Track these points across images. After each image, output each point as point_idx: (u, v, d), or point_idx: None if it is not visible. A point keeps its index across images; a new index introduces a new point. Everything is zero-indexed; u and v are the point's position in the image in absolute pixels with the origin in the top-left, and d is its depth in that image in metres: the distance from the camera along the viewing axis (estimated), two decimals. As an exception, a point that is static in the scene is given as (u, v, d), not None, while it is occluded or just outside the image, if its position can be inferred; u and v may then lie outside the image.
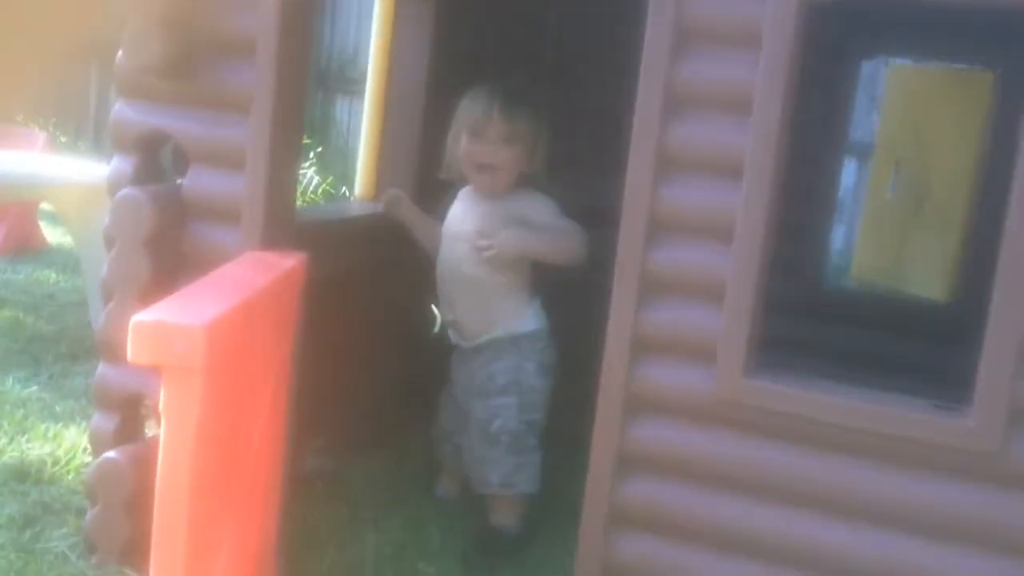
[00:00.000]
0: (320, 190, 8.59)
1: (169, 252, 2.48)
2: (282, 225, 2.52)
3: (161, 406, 1.71)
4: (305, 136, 8.68)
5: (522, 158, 2.83)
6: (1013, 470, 1.95)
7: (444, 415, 3.05)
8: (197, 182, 2.50)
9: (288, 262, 2.32)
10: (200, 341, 1.67)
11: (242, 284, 2.11)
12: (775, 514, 2.10)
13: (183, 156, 2.55)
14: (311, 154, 8.80)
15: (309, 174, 8.66)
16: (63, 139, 9.95)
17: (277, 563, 2.39)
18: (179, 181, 2.55)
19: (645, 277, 2.14)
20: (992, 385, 1.92)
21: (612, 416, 2.20)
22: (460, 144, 2.87)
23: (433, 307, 3.08)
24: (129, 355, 1.68)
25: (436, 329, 3.23)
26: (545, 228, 2.79)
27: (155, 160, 2.59)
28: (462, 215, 2.93)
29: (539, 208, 2.83)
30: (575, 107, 3.64)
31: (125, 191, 2.46)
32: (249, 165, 2.42)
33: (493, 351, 2.88)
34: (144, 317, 1.70)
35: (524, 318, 2.89)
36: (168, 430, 1.72)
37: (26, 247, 6.10)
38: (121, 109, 2.56)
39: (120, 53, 2.48)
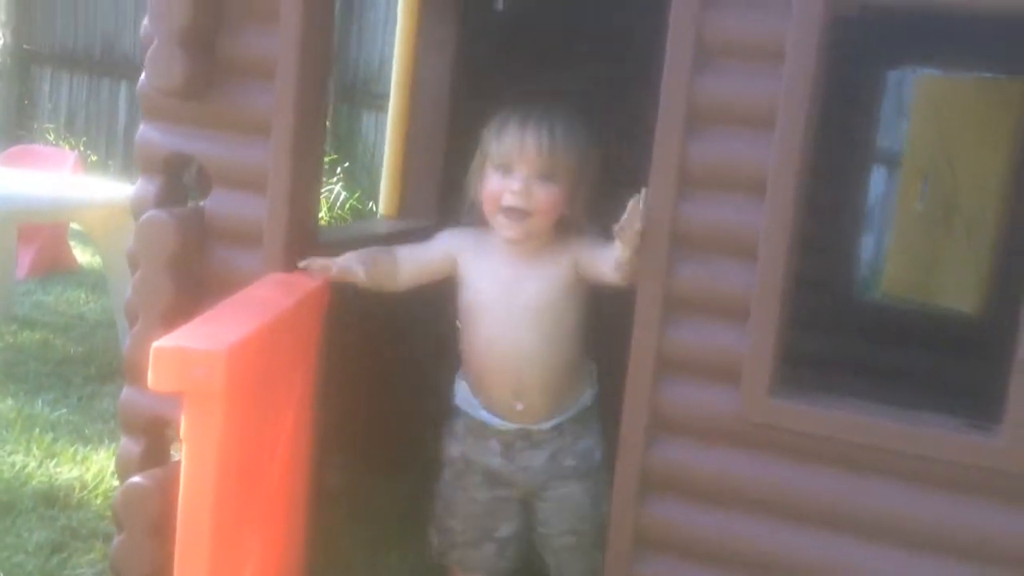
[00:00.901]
0: (347, 206, 8.61)
1: (193, 274, 2.48)
2: (305, 246, 2.51)
3: (182, 432, 1.71)
4: (331, 151, 8.81)
5: (561, 199, 2.29)
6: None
7: (479, 512, 2.48)
8: (219, 204, 2.50)
9: (311, 283, 2.32)
10: (220, 366, 1.67)
11: (264, 307, 2.11)
12: (802, 537, 2.07)
13: (206, 178, 2.55)
14: (338, 169, 8.84)
15: (336, 189, 8.69)
16: (93, 158, 10.05)
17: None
18: (202, 203, 2.56)
19: (669, 295, 2.12)
20: (1022, 403, 1.88)
21: (636, 437, 2.17)
22: (484, 180, 2.34)
23: (464, 387, 2.49)
24: (150, 381, 1.68)
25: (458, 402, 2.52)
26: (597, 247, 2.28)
27: (179, 182, 2.60)
28: (507, 280, 2.35)
29: (605, 250, 2.23)
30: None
31: (149, 213, 2.47)
32: (270, 187, 2.42)
33: (577, 427, 2.45)
34: (164, 342, 1.70)
35: (591, 386, 2.49)
36: (189, 455, 1.72)
37: (56, 267, 6.16)
38: (145, 131, 2.57)
39: (143, 75, 2.49)
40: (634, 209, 2.06)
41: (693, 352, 2.14)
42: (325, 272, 2.36)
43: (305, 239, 2.53)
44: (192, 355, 1.69)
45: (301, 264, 2.38)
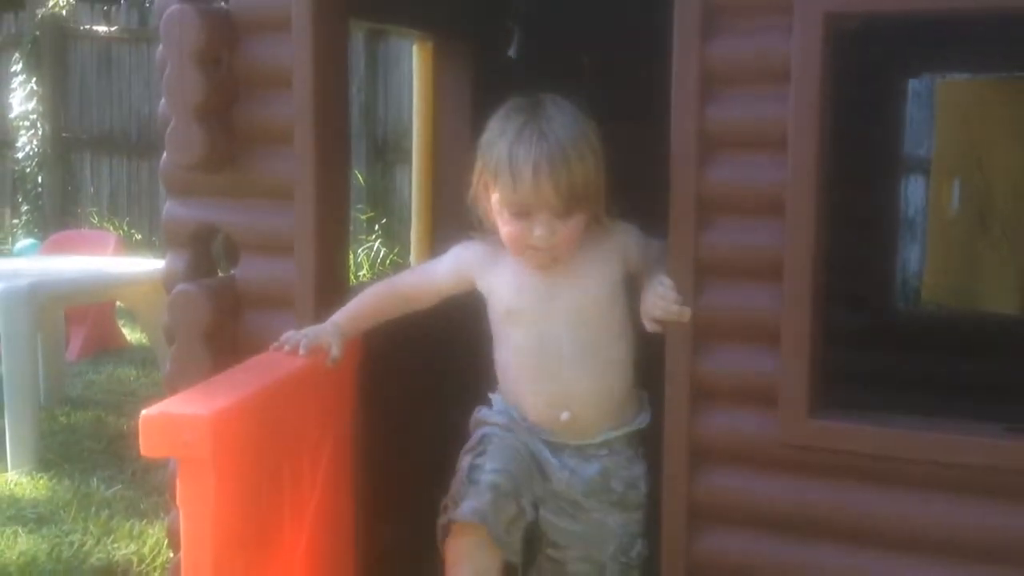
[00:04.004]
0: (388, 261, 8.68)
1: (228, 343, 2.51)
2: (337, 304, 2.53)
3: (177, 498, 1.72)
4: (368, 209, 8.90)
5: (585, 219, 2.15)
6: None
7: (520, 457, 2.25)
8: (249, 271, 2.53)
9: (339, 341, 2.32)
10: (205, 431, 1.68)
11: (270, 369, 2.10)
12: (853, 557, 2.03)
13: (233, 247, 2.59)
14: (376, 226, 8.92)
15: (375, 246, 8.77)
16: (138, 237, 10.23)
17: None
18: (232, 272, 2.59)
19: (697, 323, 2.11)
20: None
21: (679, 469, 2.15)
22: (491, 199, 2.16)
23: (500, 401, 2.35)
24: (141, 448, 1.70)
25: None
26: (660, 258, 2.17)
27: (207, 254, 2.64)
28: (540, 284, 2.21)
29: (634, 239, 2.25)
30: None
31: (180, 287, 2.51)
32: (297, 249, 2.45)
33: (630, 451, 2.31)
34: (151, 410, 1.72)
35: (644, 409, 2.34)
36: (185, 520, 1.73)
37: (106, 347, 6.26)
38: (171, 207, 2.62)
39: (164, 153, 2.54)
40: (660, 301, 2.07)
41: (728, 379, 2.12)
42: (294, 353, 2.17)
43: (336, 297, 2.55)
44: (178, 421, 1.70)
45: (273, 347, 2.22)
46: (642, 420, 2.31)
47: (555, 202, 2.06)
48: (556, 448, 2.25)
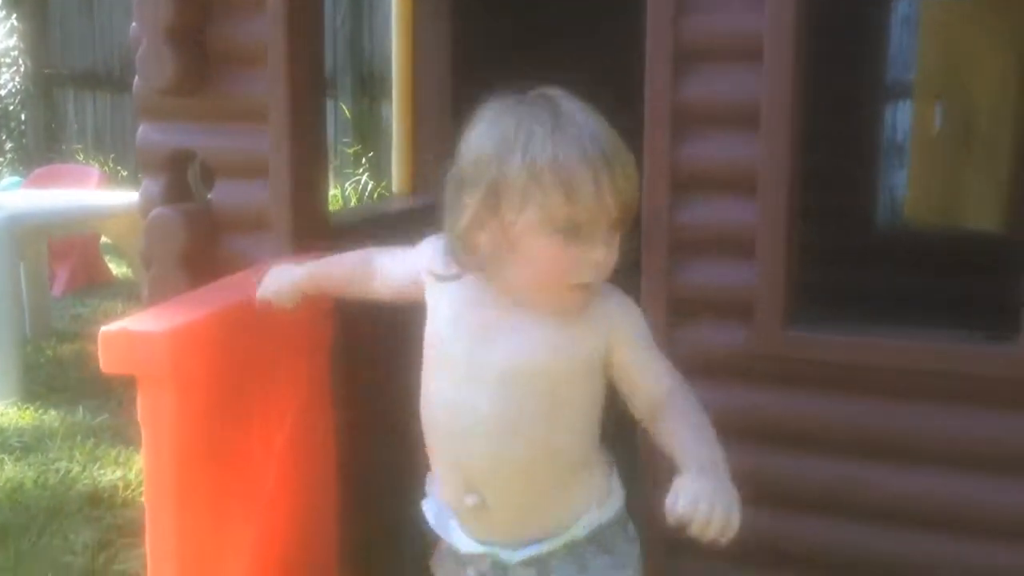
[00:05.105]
0: (376, 194, 8.65)
1: (205, 268, 2.50)
2: (314, 229, 2.52)
3: (139, 415, 1.70)
4: (355, 143, 8.84)
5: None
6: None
7: None
8: (225, 195, 2.52)
9: (316, 264, 2.31)
10: (164, 348, 1.66)
11: (240, 289, 2.06)
12: (832, 464, 2.05)
13: (210, 172, 2.57)
14: (363, 160, 8.88)
15: (363, 179, 8.73)
16: (124, 173, 10.15)
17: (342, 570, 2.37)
18: (209, 196, 2.57)
19: (673, 239, 2.10)
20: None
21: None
22: (515, 224, 1.50)
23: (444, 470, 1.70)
24: (101, 365, 1.69)
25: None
26: (651, 359, 1.62)
27: (183, 179, 2.62)
28: (480, 323, 1.61)
29: (632, 320, 1.63)
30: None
31: (156, 211, 2.49)
32: (272, 172, 2.43)
33: (572, 567, 1.65)
34: (111, 327, 1.70)
35: (609, 493, 1.69)
36: (146, 439, 1.70)
37: (93, 281, 6.24)
38: (145, 132, 2.59)
39: (137, 77, 2.51)
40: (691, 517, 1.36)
41: (704, 292, 2.12)
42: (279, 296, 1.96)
43: (315, 222, 2.55)
44: (137, 338, 1.68)
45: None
46: (610, 505, 1.67)
47: (616, 214, 1.50)
48: (469, 557, 1.68)
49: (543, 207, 1.48)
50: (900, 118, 6.96)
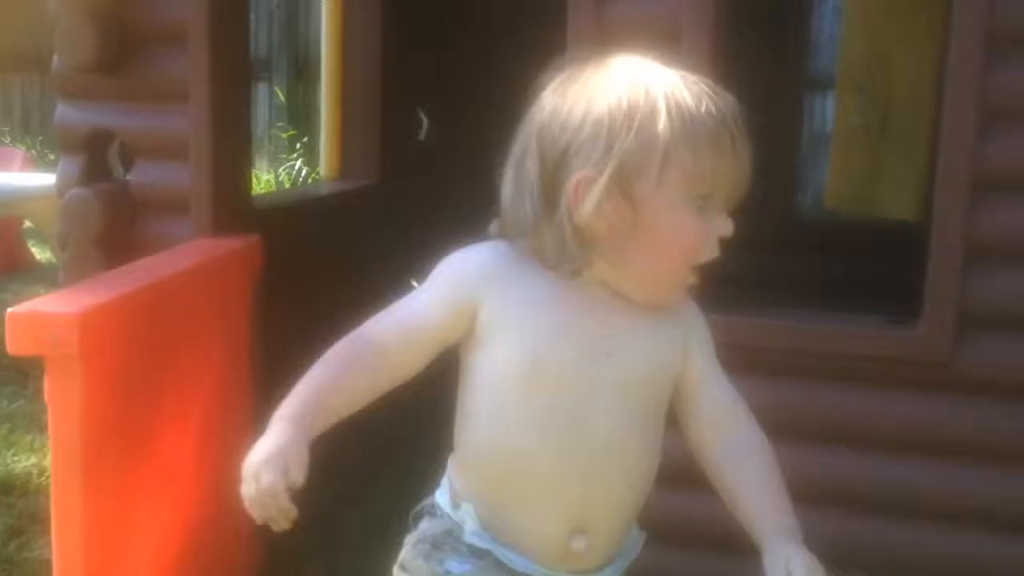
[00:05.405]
0: (310, 179, 8.59)
1: (123, 249, 2.47)
2: (236, 212, 2.51)
3: (46, 395, 1.70)
4: (290, 127, 8.76)
5: None
6: (966, 377, 1.93)
7: None
8: (145, 176, 2.49)
9: (234, 246, 2.30)
10: (73, 329, 1.65)
11: (154, 270, 2.06)
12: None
13: (128, 153, 2.55)
14: (297, 144, 8.81)
15: (297, 164, 8.67)
16: (51, 156, 9.97)
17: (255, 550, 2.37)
18: (128, 177, 2.55)
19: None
20: (939, 292, 1.91)
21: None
22: (654, 196, 1.29)
23: (471, 515, 1.42)
24: (8, 347, 1.67)
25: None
26: (718, 369, 1.47)
27: (102, 159, 2.59)
28: (592, 333, 1.36)
29: (705, 326, 1.49)
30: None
31: (72, 192, 2.46)
32: (193, 153, 2.41)
33: None
34: (19, 308, 1.70)
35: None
36: (53, 419, 1.70)
37: (15, 267, 6.12)
38: (63, 111, 2.56)
39: (56, 55, 2.48)
40: None
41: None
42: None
43: (236, 205, 2.53)
44: (46, 319, 1.67)
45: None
46: (641, 540, 1.51)
47: (738, 178, 1.33)
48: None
49: (685, 173, 1.28)
50: (828, 109, 7.10)
